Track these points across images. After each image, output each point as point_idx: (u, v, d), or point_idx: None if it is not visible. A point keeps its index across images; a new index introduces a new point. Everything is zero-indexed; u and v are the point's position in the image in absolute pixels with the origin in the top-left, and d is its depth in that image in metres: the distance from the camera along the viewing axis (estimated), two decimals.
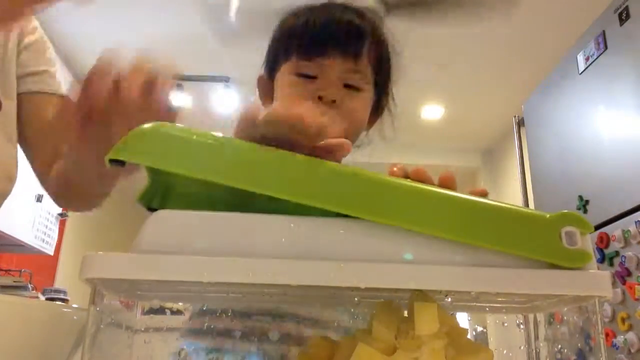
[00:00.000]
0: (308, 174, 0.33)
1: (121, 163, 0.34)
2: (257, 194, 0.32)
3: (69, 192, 0.77)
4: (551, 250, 0.31)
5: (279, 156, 0.34)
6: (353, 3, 0.72)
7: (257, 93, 0.76)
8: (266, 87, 0.75)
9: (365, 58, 0.69)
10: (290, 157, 0.34)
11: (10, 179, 0.80)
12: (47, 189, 0.81)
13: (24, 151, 0.82)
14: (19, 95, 0.81)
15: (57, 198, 0.82)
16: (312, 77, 0.67)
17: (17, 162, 0.81)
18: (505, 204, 0.34)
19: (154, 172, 0.40)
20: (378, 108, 0.76)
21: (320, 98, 0.66)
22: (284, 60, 0.70)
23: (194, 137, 0.34)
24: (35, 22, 0.87)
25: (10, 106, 0.79)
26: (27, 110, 0.81)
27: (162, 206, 0.39)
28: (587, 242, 0.32)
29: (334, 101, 0.66)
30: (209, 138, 0.34)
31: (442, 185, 0.38)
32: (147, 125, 0.34)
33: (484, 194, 0.44)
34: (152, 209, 0.38)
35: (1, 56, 0.79)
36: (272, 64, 0.73)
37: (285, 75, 0.69)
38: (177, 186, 0.41)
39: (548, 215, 0.33)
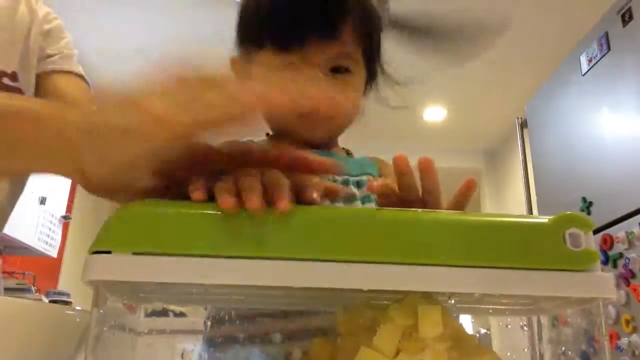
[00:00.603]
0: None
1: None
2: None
3: None
4: (557, 256, 0.31)
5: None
6: None
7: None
8: (243, 73, 0.65)
9: (352, 35, 0.60)
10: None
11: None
12: None
13: None
14: (38, 75, 0.81)
15: None
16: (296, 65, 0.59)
17: None
18: (504, 217, 0.33)
19: None
20: (371, 78, 0.68)
21: None
22: (257, 47, 0.61)
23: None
24: (51, 11, 0.87)
25: None
26: (44, 89, 0.81)
27: None
28: (591, 242, 0.31)
29: None
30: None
31: (421, 172, 0.39)
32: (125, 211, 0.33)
33: (471, 186, 0.42)
34: None
35: (25, 50, 0.80)
36: (245, 47, 0.64)
37: (263, 68, 0.61)
38: None
39: (548, 220, 0.32)
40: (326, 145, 0.66)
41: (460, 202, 0.45)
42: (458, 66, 2.53)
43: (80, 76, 0.86)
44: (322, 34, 0.57)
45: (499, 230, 0.32)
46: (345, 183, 0.65)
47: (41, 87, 0.82)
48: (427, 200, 0.44)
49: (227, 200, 0.31)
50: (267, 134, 0.69)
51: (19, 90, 0.78)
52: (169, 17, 2.70)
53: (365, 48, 0.63)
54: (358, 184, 0.66)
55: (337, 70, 0.61)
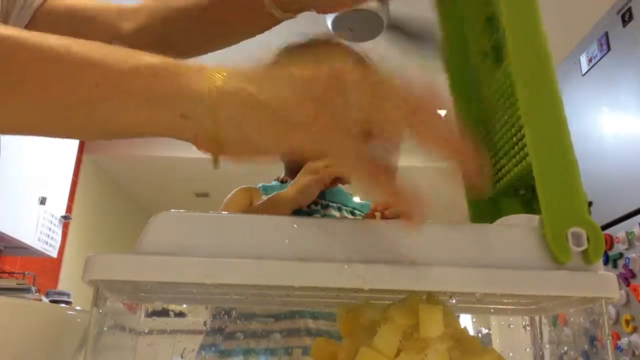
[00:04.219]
0: None
1: None
2: None
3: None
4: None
5: None
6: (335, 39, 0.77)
7: None
8: None
9: None
10: None
11: None
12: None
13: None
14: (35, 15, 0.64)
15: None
16: None
17: None
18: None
19: None
20: None
21: None
22: None
23: None
24: None
25: None
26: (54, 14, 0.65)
27: None
28: (594, 244, 0.31)
29: None
30: None
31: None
32: None
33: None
34: None
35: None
36: None
37: None
38: None
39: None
40: (333, 181, 0.77)
41: None
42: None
43: None
44: None
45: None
46: (339, 210, 0.75)
47: (42, 22, 0.65)
48: None
49: None
50: (277, 178, 0.79)
51: None
52: None
53: None
54: (352, 213, 0.77)
55: None
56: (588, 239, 0.31)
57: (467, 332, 0.34)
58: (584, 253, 0.31)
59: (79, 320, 0.44)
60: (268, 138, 0.31)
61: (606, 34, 1.65)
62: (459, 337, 0.32)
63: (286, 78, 0.32)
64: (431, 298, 0.33)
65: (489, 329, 0.41)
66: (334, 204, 0.77)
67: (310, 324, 0.65)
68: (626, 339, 1.42)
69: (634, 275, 1.43)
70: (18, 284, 2.50)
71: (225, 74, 0.32)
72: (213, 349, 0.61)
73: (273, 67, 0.33)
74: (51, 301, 2.58)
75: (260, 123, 0.31)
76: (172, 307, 0.42)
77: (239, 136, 0.31)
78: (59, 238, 2.92)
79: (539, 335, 0.40)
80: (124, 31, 0.66)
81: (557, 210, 0.32)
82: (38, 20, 0.66)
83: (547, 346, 0.39)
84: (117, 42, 0.63)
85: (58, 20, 0.67)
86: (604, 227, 1.56)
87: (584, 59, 1.76)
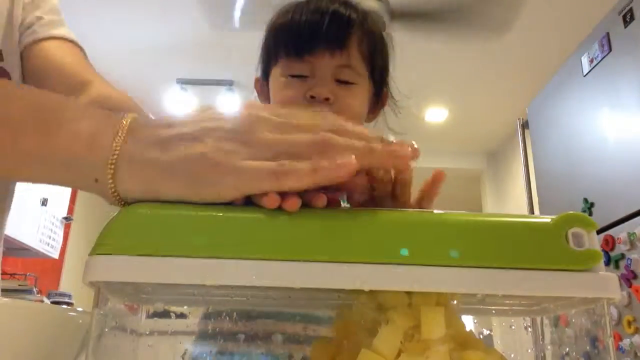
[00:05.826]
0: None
1: None
2: None
3: None
4: (560, 256, 0.31)
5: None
6: None
7: (256, 95, 0.76)
8: (263, 88, 0.73)
9: (356, 50, 0.66)
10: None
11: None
12: None
13: None
14: (22, 52, 0.71)
15: None
16: (304, 77, 0.65)
17: None
18: (506, 216, 0.33)
19: None
20: (378, 100, 0.73)
21: (312, 97, 0.64)
22: (274, 61, 0.68)
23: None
24: None
25: None
26: (30, 64, 0.71)
27: None
28: (594, 242, 0.31)
29: (327, 99, 0.64)
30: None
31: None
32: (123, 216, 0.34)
33: (438, 179, 0.42)
34: None
35: (8, 25, 0.70)
36: (265, 65, 0.71)
37: (277, 77, 0.68)
38: None
39: (551, 220, 0.32)
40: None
41: (429, 195, 0.44)
42: (474, 44, 2.52)
43: (72, 41, 0.75)
44: (328, 45, 0.64)
45: (501, 230, 0.32)
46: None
47: (26, 63, 0.71)
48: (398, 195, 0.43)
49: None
50: None
51: (3, 71, 0.69)
52: (160, 17, 2.71)
53: (371, 67, 0.69)
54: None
55: (341, 82, 0.66)
56: (588, 237, 0.31)
57: (471, 333, 0.34)
58: (585, 253, 0.31)
59: (80, 321, 0.44)
60: (177, 194, 0.33)
61: (607, 34, 1.65)
62: (461, 339, 0.32)
63: (186, 137, 0.33)
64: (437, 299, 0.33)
65: (491, 330, 0.41)
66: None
67: (310, 325, 0.65)
68: (628, 340, 1.42)
69: (635, 276, 1.43)
70: (19, 285, 2.51)
71: (129, 138, 0.34)
72: (212, 350, 0.61)
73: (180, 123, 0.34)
74: (52, 302, 2.59)
75: (165, 183, 0.33)
76: (173, 308, 0.42)
77: (148, 194, 0.33)
78: (60, 239, 2.92)
79: (541, 337, 0.40)
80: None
81: None
82: (28, 52, 0.72)
83: (548, 347, 0.39)
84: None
85: (37, 64, 0.72)
86: (606, 228, 1.56)
87: (585, 60, 1.76)
